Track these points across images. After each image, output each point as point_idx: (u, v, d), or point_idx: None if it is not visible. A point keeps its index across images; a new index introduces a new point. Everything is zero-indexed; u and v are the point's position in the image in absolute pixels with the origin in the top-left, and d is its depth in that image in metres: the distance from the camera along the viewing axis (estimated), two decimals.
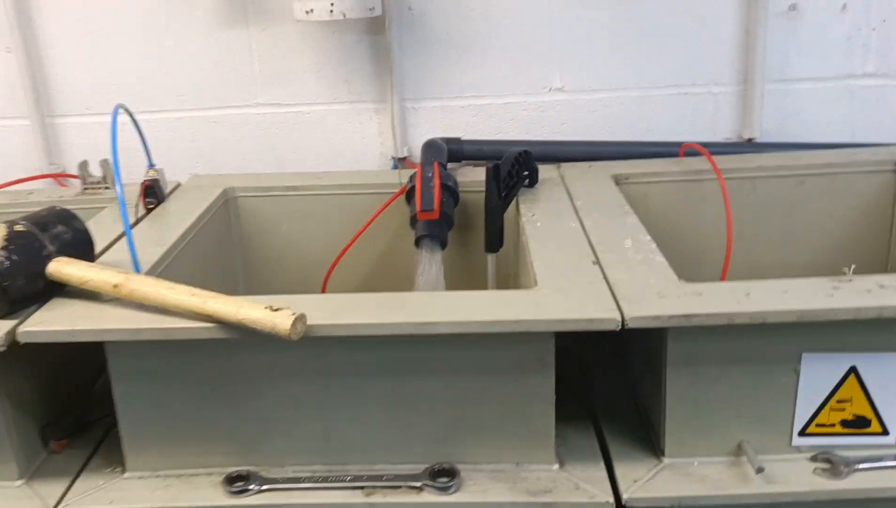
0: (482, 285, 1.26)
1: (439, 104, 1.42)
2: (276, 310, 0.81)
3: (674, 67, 1.40)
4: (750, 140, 1.42)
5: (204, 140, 1.45)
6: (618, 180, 1.28)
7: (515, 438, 0.92)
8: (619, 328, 0.83)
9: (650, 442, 0.96)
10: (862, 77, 1.39)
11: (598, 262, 0.96)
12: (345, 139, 1.44)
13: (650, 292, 0.87)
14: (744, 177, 1.30)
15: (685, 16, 1.37)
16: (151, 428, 0.92)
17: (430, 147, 1.31)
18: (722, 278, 1.20)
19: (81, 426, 1.03)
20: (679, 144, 1.37)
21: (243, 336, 0.84)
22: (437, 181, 1.20)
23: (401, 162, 1.43)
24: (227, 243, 1.32)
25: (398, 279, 1.34)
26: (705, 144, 1.32)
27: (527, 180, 1.24)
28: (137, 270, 0.94)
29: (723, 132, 1.43)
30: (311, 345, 0.83)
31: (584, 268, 0.95)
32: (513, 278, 1.28)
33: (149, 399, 0.91)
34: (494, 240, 1.18)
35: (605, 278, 0.92)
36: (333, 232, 1.32)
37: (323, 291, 1.33)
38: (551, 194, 1.22)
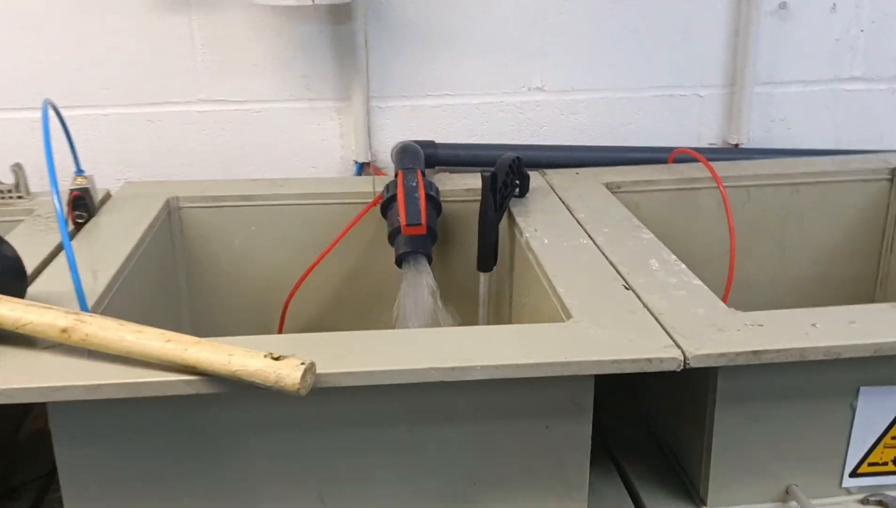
0: (467, 307, 1.13)
1: (408, 103, 1.27)
2: (278, 359, 0.66)
3: (660, 68, 1.30)
4: (736, 146, 1.34)
5: (136, 142, 1.26)
6: (610, 189, 1.18)
7: (544, 491, 0.80)
8: (681, 368, 0.72)
9: (685, 489, 0.85)
10: (849, 81, 1.34)
11: (629, 287, 0.85)
12: (301, 142, 1.28)
13: (704, 324, 0.77)
14: (739, 185, 1.22)
15: (673, 13, 1.28)
16: (104, 499, 0.75)
17: (407, 152, 1.17)
18: (725, 293, 1.12)
19: (5, 491, 0.85)
20: (666, 150, 1.28)
21: (230, 390, 0.68)
22: (422, 192, 1.06)
23: (365, 167, 1.29)
24: (170, 265, 1.14)
25: (369, 302, 1.20)
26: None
27: (517, 190, 1.12)
28: (85, 307, 0.76)
29: (707, 137, 1.35)
30: (311, 396, 0.68)
31: (617, 295, 0.83)
32: (495, 297, 1.16)
33: (102, 464, 0.74)
34: (489, 257, 1.05)
35: (646, 307, 0.81)
36: (294, 248, 1.17)
37: (283, 316, 1.17)
38: (545, 205, 1.11)
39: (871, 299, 1.30)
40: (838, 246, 1.28)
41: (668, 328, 0.76)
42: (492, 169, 1.05)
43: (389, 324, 1.18)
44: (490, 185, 1.01)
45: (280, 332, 1.17)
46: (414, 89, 1.27)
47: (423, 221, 1.02)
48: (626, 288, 0.85)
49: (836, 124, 1.36)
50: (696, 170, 1.22)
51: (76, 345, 0.70)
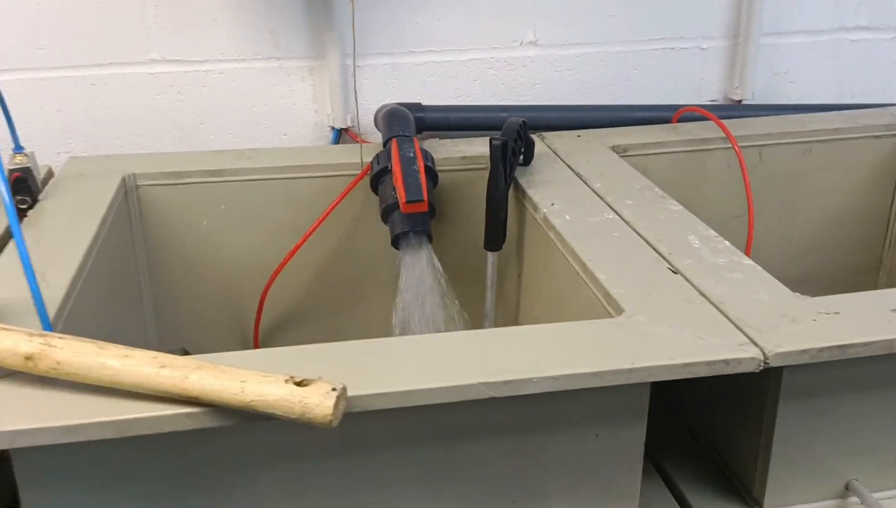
0: (466, 289, 1.03)
1: (389, 61, 1.14)
2: (302, 384, 0.54)
3: (660, 18, 1.20)
4: (739, 102, 1.26)
5: (77, 110, 1.10)
6: (617, 152, 1.08)
7: (590, 503, 0.70)
8: (760, 368, 0.63)
9: (734, 490, 0.78)
10: (854, 30, 1.26)
11: (677, 270, 0.75)
12: (269, 106, 1.14)
13: (773, 315, 0.68)
14: (751, 145, 1.14)
15: None
16: None
17: (396, 117, 1.04)
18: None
19: None
20: (669, 108, 1.19)
21: (239, 421, 0.56)
22: (420, 163, 0.94)
23: (343, 134, 1.15)
24: (130, 255, 1.00)
25: (357, 288, 1.08)
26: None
27: (521, 157, 1.01)
28: (48, 325, 0.63)
29: (709, 93, 1.26)
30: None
31: (665, 281, 0.74)
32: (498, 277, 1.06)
33: None
34: (499, 236, 0.94)
35: (703, 295, 0.71)
36: (270, 229, 1.04)
37: (260, 307, 1.04)
38: (554, 174, 1.00)
39: (878, 263, 1.25)
40: (848, 208, 1.21)
41: (737, 321, 0.67)
42: (498, 135, 0.93)
43: (380, 311, 1.07)
44: (500, 154, 0.90)
45: (257, 325, 1.05)
46: (395, 46, 1.14)
47: (425, 196, 0.91)
48: (673, 272, 0.75)
49: (839, 76, 1.29)
50: (705, 130, 1.14)
51: (43, 374, 0.56)
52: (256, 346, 1.06)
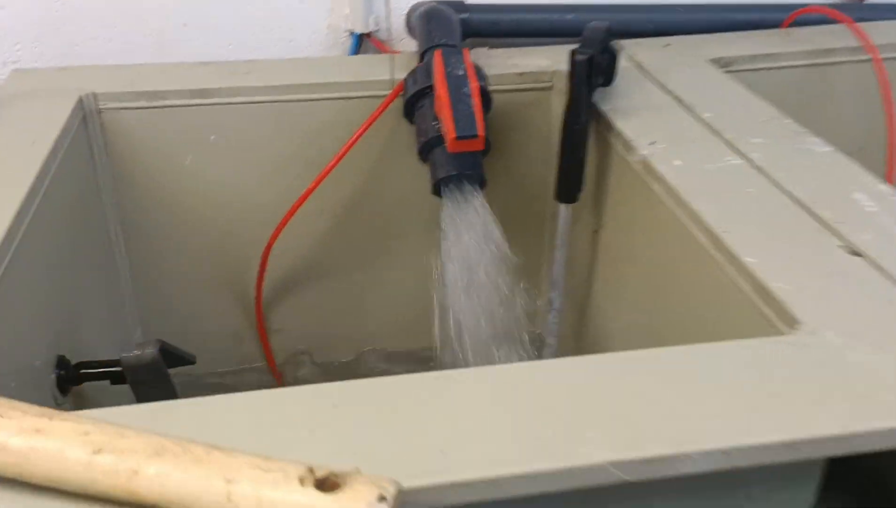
0: (524, 248, 0.81)
1: None
2: (329, 484, 0.32)
3: None
4: (862, 1, 1.00)
5: (25, 8, 0.86)
6: (719, 67, 0.84)
7: None
8: None
9: None
10: None
11: (857, 251, 0.53)
12: (271, 5, 0.89)
13: None
14: (886, 57, 0.89)
15: None
16: None
17: (436, 20, 0.79)
18: None
19: None
20: (781, 8, 0.94)
21: None
22: (474, 84, 0.70)
23: (365, 41, 0.91)
24: (93, 199, 0.77)
25: (382, 240, 0.86)
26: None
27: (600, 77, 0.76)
28: None
29: None
30: None
31: (845, 269, 0.51)
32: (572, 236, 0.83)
33: None
34: (575, 181, 0.72)
35: None
36: (273, 165, 0.81)
37: (263, 264, 0.82)
38: (646, 98, 0.76)
39: None
40: None
41: None
42: (578, 46, 0.69)
43: (412, 270, 0.85)
44: (586, 73, 0.66)
45: (259, 287, 0.83)
46: None
47: (481, 131, 0.67)
48: (851, 253, 0.52)
49: None
50: (827, 37, 0.90)
51: None
52: (259, 315, 0.85)
